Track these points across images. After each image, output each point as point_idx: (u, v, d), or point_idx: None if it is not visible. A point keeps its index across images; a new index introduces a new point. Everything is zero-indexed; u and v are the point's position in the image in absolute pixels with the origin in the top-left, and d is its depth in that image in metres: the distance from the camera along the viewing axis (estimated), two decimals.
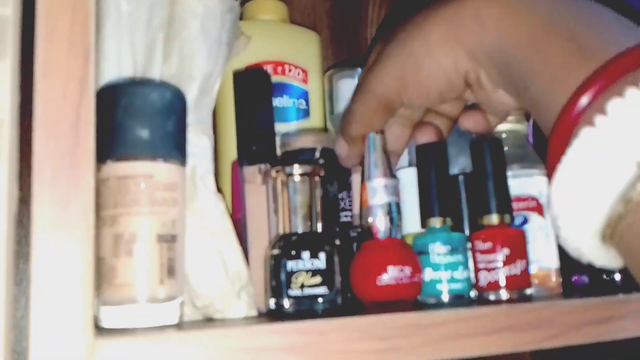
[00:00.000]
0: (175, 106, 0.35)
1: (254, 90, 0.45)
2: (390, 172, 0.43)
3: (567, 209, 0.28)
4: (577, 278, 0.49)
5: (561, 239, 0.30)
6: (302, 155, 0.45)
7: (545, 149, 0.57)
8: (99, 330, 0.31)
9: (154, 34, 0.39)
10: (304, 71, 0.53)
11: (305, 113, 0.53)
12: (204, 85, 0.40)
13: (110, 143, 0.33)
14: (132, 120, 0.33)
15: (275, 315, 0.37)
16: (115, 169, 0.33)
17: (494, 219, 0.43)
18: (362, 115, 0.41)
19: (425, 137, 0.44)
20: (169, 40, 0.39)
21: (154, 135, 0.34)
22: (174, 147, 0.35)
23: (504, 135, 0.49)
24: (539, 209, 0.47)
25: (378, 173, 0.42)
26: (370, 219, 0.42)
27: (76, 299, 0.27)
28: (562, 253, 0.48)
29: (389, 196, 0.42)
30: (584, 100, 0.28)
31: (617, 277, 0.47)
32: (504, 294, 0.41)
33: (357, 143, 0.43)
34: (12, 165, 0.30)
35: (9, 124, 0.30)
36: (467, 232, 0.47)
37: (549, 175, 0.30)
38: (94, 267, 0.32)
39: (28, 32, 0.30)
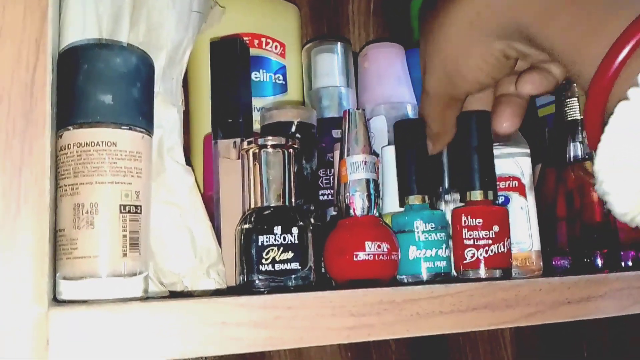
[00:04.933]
0: (141, 72, 0.33)
1: (231, 60, 0.43)
2: (370, 149, 0.42)
3: (612, 178, 0.29)
4: (558, 261, 0.48)
5: (608, 203, 0.30)
6: (280, 130, 0.44)
7: (529, 130, 0.56)
8: (56, 302, 0.30)
9: (121, 0, 0.37)
10: (282, 45, 0.51)
11: (283, 88, 0.51)
12: (173, 55, 0.38)
13: (72, 109, 0.32)
14: (94, 84, 0.32)
15: (245, 291, 0.35)
16: (76, 136, 0.32)
17: (477, 195, 0.42)
18: (434, 115, 0.43)
19: (507, 120, 0.43)
20: (137, 8, 0.37)
21: (118, 101, 0.32)
22: (140, 115, 0.33)
23: None
24: (520, 189, 0.46)
25: (358, 149, 0.41)
26: (348, 195, 0.40)
27: (28, 268, 0.25)
28: (544, 235, 0.47)
29: (368, 173, 0.41)
30: (616, 64, 0.29)
31: (598, 261, 0.46)
32: (488, 272, 0.40)
33: (440, 137, 0.44)
34: None
35: None
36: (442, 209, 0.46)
37: (590, 136, 0.31)
38: (52, 238, 0.30)
39: None
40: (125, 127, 0.32)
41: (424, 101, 0.43)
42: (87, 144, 0.31)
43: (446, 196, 0.47)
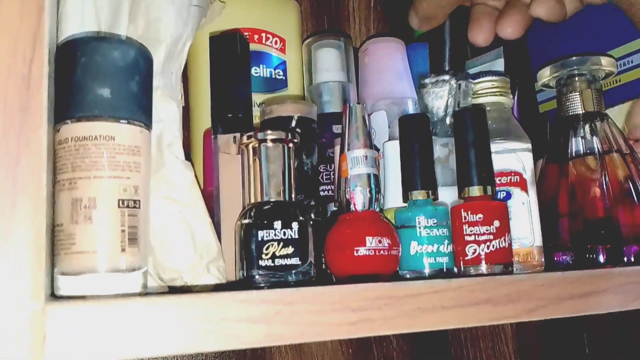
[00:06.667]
0: (140, 65, 0.33)
1: (230, 55, 0.43)
2: (371, 143, 0.42)
3: None
4: (560, 257, 0.48)
5: None
6: (280, 124, 0.44)
7: (530, 125, 0.56)
8: (54, 297, 0.30)
9: None
10: (282, 40, 0.51)
11: (283, 83, 0.51)
12: (172, 49, 0.38)
13: (70, 102, 0.32)
14: (92, 78, 0.31)
15: (245, 286, 0.35)
16: (74, 129, 0.31)
17: (476, 190, 0.41)
18: (436, 1, 0.47)
19: (512, 26, 0.44)
20: (136, 2, 0.37)
21: (117, 95, 0.32)
22: (138, 109, 0.33)
23: (488, 109, 0.48)
24: (522, 185, 0.46)
25: (358, 143, 0.41)
26: (348, 190, 0.40)
27: (24, 263, 0.25)
28: (546, 231, 0.47)
29: (368, 167, 0.40)
30: None
31: (601, 256, 0.46)
32: (490, 268, 0.40)
33: (429, 21, 0.48)
34: None
35: None
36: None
37: None
38: (50, 233, 0.30)
39: None
40: (123, 121, 0.32)
41: None
42: (85, 138, 0.31)
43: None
